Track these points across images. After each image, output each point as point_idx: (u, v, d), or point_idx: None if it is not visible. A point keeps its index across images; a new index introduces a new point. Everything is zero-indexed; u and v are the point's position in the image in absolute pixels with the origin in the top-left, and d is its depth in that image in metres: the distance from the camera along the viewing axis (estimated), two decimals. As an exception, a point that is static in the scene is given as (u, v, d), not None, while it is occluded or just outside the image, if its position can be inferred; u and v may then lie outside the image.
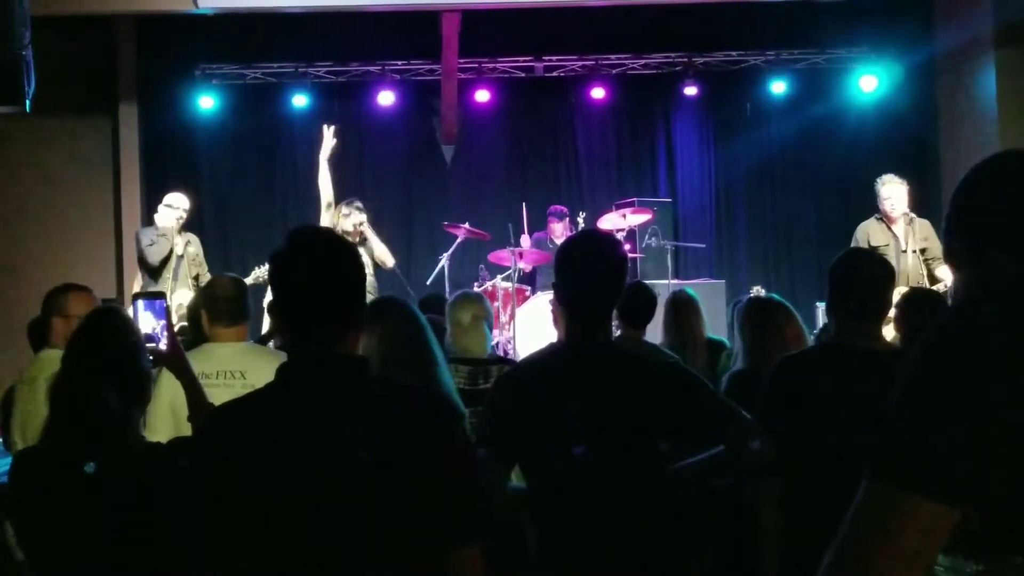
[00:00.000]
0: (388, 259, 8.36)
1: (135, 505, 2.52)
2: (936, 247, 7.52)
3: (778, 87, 11.20)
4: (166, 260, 7.99)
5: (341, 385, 2.16)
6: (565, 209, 9.89)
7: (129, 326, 2.80)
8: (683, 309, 5.19)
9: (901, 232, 7.65)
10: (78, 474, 2.55)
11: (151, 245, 7.98)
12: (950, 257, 1.73)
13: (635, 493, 2.77)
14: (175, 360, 3.07)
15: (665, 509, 2.87)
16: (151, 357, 2.91)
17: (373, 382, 2.33)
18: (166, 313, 3.05)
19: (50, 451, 2.63)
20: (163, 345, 3.02)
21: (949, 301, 5.57)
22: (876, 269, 3.36)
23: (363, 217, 8.20)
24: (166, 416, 3.68)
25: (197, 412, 3.04)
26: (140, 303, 3.04)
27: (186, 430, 3.64)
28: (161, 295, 3.15)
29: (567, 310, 2.95)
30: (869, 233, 7.72)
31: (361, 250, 8.59)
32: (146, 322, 3.00)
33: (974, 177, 1.71)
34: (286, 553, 2.07)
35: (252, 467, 2.07)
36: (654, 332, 5.32)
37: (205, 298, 4.05)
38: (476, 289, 9.09)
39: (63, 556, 2.57)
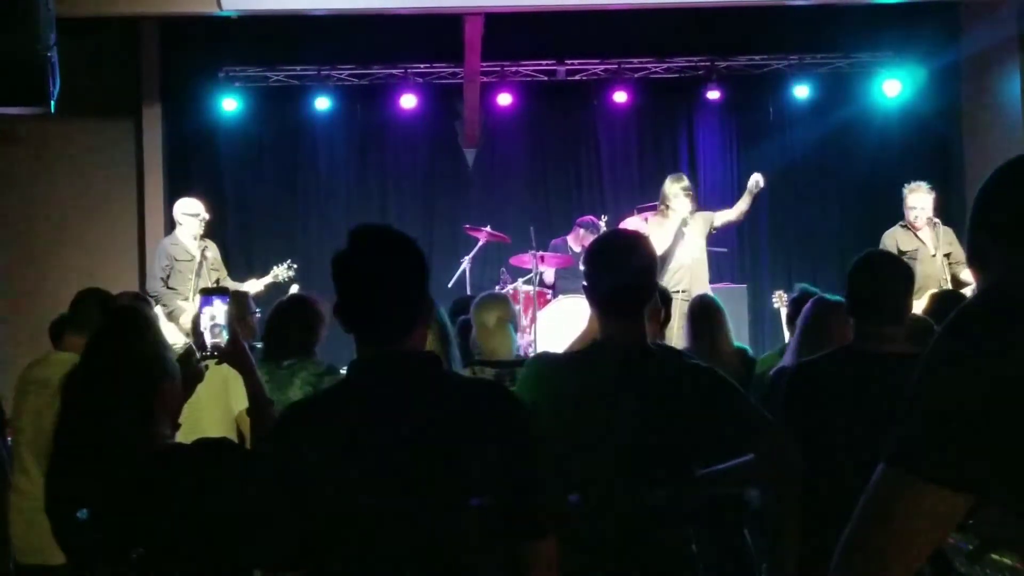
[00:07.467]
0: None
1: (152, 506, 2.50)
2: (960, 252, 7.47)
3: (801, 91, 11.14)
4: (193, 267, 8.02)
5: (410, 383, 2.15)
6: (592, 222, 9.82)
7: (149, 326, 2.76)
8: (704, 315, 5.14)
9: (927, 237, 7.61)
10: (95, 477, 2.55)
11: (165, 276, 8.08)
12: (974, 257, 1.70)
13: (633, 541, 2.73)
14: (236, 356, 2.98)
15: (664, 546, 2.83)
16: (215, 353, 2.88)
17: (442, 378, 2.32)
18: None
19: (65, 451, 2.63)
20: (224, 341, 2.94)
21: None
22: (896, 270, 3.35)
23: None
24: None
25: (258, 408, 3.01)
26: (204, 299, 2.97)
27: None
28: (225, 291, 3.08)
29: (599, 309, 2.93)
30: (897, 239, 7.68)
31: None
32: (209, 318, 2.93)
33: (999, 177, 1.68)
34: (356, 555, 2.07)
35: (323, 469, 2.07)
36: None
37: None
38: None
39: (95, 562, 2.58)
